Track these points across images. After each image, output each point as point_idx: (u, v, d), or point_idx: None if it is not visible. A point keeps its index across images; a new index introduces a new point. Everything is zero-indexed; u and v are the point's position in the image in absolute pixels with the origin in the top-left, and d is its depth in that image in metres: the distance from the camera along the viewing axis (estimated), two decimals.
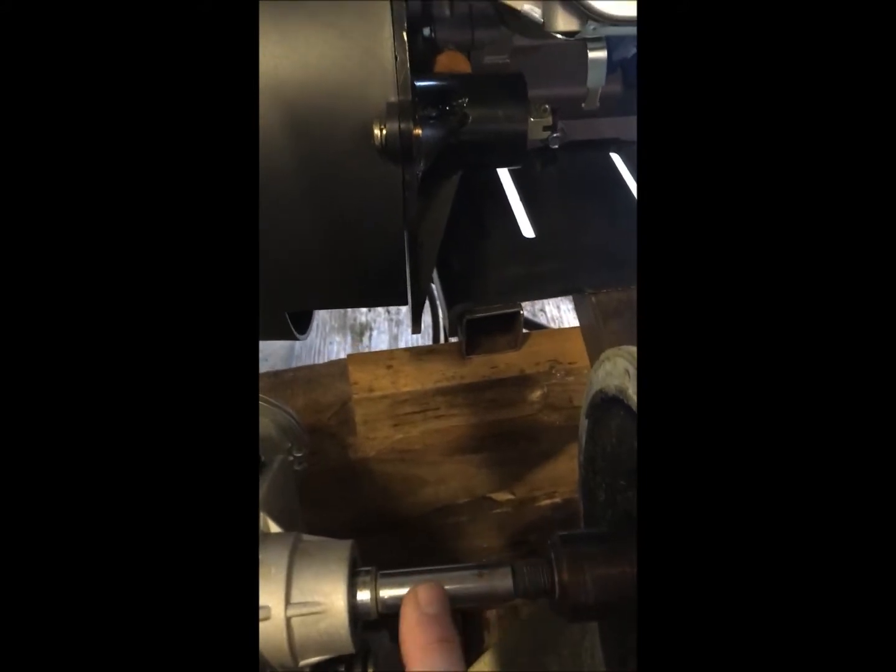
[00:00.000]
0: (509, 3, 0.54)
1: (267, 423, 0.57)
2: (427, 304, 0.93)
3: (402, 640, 0.36)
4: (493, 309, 0.74)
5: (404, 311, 1.89)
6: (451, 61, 0.64)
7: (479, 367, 0.81)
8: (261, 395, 0.55)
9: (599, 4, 0.48)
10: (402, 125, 0.42)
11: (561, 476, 0.93)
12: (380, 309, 1.94)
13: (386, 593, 0.39)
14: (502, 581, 0.39)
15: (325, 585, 0.39)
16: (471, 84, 0.57)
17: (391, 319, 1.93)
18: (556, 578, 0.38)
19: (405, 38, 0.43)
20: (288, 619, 0.38)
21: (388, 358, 0.83)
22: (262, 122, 0.44)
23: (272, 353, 1.77)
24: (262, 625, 0.37)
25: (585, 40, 0.55)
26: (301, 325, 0.62)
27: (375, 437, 0.84)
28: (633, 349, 0.40)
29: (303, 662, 0.39)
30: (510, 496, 0.95)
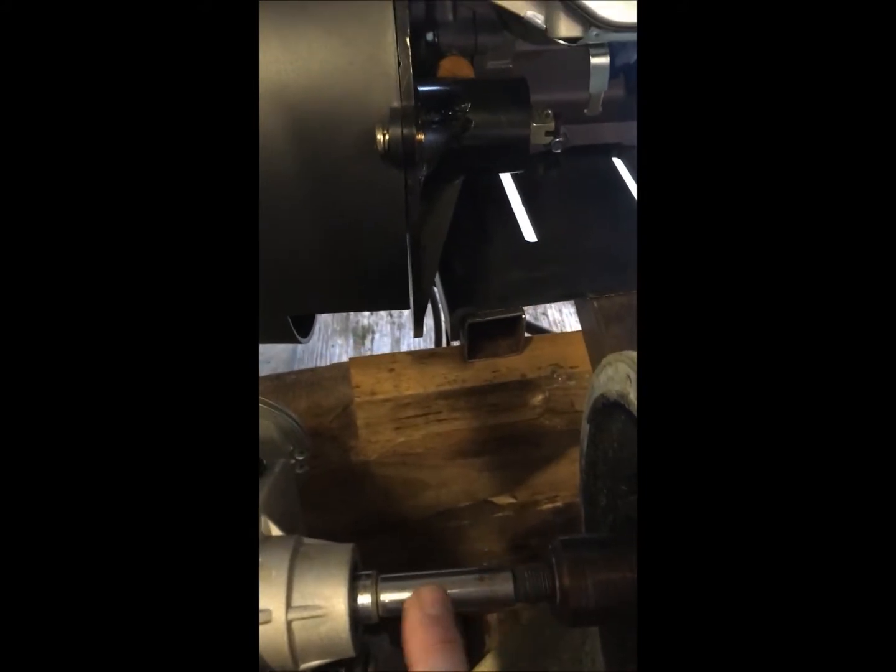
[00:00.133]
0: (512, 8, 0.54)
1: (269, 426, 0.57)
2: (429, 307, 0.93)
3: (405, 641, 0.36)
4: (495, 313, 0.74)
5: (406, 314, 1.89)
6: (454, 66, 0.64)
7: (481, 370, 0.81)
8: (262, 398, 0.55)
9: (602, 11, 0.48)
10: (405, 130, 0.42)
11: (562, 480, 0.93)
12: (382, 312, 1.94)
13: (387, 597, 0.39)
14: (503, 585, 0.39)
15: (326, 589, 0.39)
16: (474, 89, 0.57)
17: (393, 323, 1.93)
18: (557, 583, 0.38)
19: (408, 42, 0.44)
20: (289, 623, 0.38)
21: (390, 361, 0.83)
22: (265, 126, 0.44)
23: (274, 356, 1.77)
24: (262, 628, 0.37)
25: (588, 46, 0.55)
26: (303, 328, 0.62)
27: (377, 441, 0.84)
28: (635, 354, 0.40)
29: (303, 666, 0.39)
30: (511, 500, 0.95)
